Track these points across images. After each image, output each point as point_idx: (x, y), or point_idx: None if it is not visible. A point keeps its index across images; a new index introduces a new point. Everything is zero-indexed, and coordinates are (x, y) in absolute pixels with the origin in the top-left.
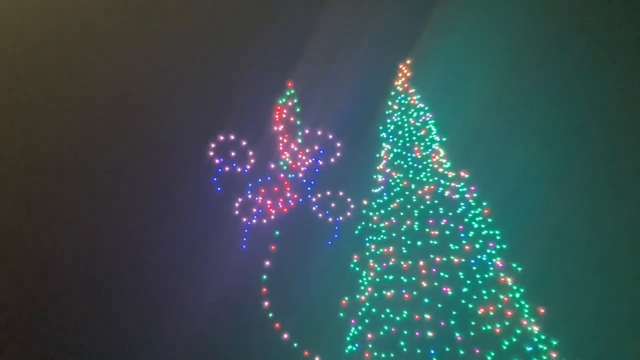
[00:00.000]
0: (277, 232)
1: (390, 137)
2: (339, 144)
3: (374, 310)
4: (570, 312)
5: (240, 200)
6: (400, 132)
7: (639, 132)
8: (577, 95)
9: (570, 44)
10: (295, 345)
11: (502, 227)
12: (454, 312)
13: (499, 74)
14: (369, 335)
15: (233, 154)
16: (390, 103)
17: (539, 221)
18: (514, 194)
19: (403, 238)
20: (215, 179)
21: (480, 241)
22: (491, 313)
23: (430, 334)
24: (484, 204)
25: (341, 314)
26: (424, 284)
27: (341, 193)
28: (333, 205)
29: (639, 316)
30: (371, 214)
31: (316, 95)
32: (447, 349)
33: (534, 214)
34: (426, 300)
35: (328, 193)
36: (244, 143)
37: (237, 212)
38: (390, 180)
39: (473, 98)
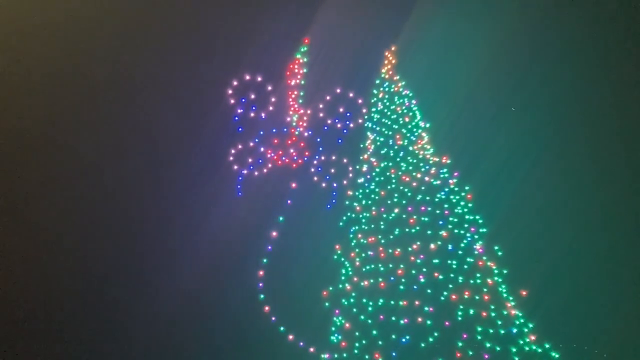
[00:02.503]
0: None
1: (375, 126)
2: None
3: (364, 300)
4: (551, 295)
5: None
6: (384, 120)
7: (617, 118)
8: (560, 83)
9: (556, 28)
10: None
11: (484, 211)
12: (442, 298)
13: (484, 60)
14: (347, 325)
15: (253, 96)
16: (375, 91)
17: (520, 206)
18: (496, 179)
19: (389, 227)
20: (236, 118)
21: (466, 225)
22: (477, 297)
23: (419, 319)
24: (467, 188)
25: (326, 304)
26: (409, 272)
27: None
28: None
29: (618, 298)
30: (355, 204)
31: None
32: (436, 334)
33: (515, 199)
34: (415, 287)
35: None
36: (269, 87)
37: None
38: (376, 169)
39: (457, 84)
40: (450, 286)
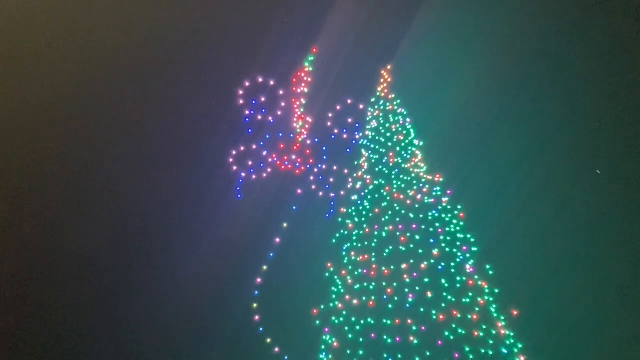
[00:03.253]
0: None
1: (370, 143)
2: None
3: (353, 318)
4: (541, 315)
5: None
6: (379, 138)
7: (606, 140)
8: (552, 103)
9: (546, 51)
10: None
11: (476, 230)
12: (432, 317)
13: (477, 79)
14: (336, 344)
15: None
16: (371, 109)
17: (512, 225)
18: (489, 197)
19: (381, 245)
20: (247, 119)
21: (458, 244)
22: (468, 316)
23: (411, 338)
24: (459, 207)
25: (317, 322)
26: (400, 290)
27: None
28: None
29: (608, 319)
30: (348, 221)
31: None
32: (428, 354)
33: (507, 218)
34: (407, 305)
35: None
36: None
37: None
38: (370, 187)
39: (451, 102)
40: (443, 305)
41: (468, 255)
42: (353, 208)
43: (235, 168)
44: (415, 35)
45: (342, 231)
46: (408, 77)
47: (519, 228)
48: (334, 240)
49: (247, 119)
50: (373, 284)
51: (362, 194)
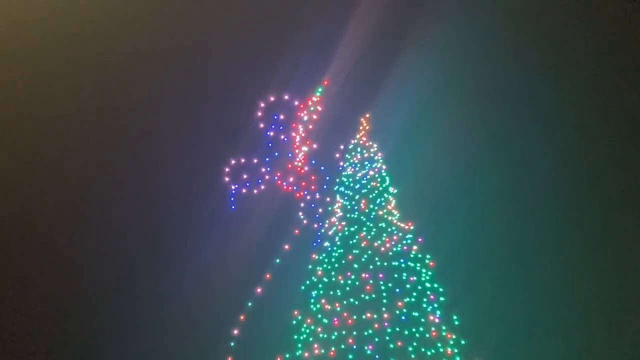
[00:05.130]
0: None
1: (345, 189)
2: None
3: None
4: None
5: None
6: (354, 185)
7: (577, 170)
8: (521, 152)
9: (518, 100)
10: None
11: (444, 279)
12: None
13: (451, 129)
14: None
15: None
16: (348, 156)
17: (479, 274)
18: (459, 247)
19: (349, 292)
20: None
21: (428, 293)
22: None
23: None
24: (428, 256)
25: None
26: (361, 339)
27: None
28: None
29: None
30: (318, 268)
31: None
32: None
33: (476, 269)
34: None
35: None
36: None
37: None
38: (340, 234)
39: (425, 151)
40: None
41: (435, 305)
42: (324, 255)
43: (227, 179)
44: (393, 84)
45: (312, 278)
46: (386, 125)
47: (485, 279)
48: (302, 287)
49: (269, 132)
50: (335, 333)
51: (336, 240)
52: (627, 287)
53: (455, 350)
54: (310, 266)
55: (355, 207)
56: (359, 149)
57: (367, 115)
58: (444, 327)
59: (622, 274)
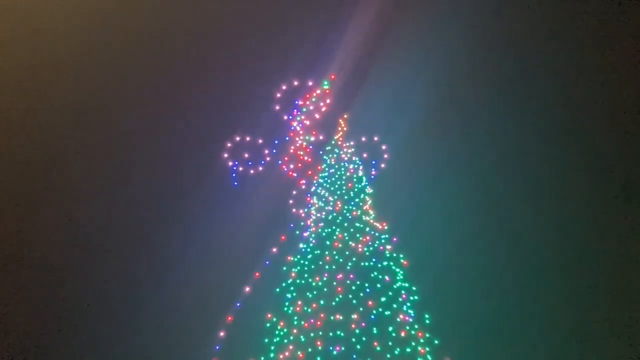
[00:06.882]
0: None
1: (321, 190)
2: None
3: None
4: None
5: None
6: (329, 186)
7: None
8: (495, 152)
9: (491, 99)
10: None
11: (417, 278)
12: None
13: (426, 127)
14: None
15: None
16: (326, 158)
17: (451, 274)
18: (432, 246)
19: (322, 294)
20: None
21: (403, 292)
22: None
23: None
24: (401, 256)
25: None
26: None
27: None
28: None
29: None
30: (293, 269)
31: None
32: None
33: (448, 269)
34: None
35: None
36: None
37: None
38: (314, 235)
39: (401, 150)
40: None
41: (408, 304)
42: (298, 256)
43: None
44: (371, 84)
45: (289, 280)
46: (362, 126)
47: (457, 279)
48: (277, 289)
49: (291, 116)
50: (308, 334)
51: (312, 242)
52: (597, 287)
53: (427, 349)
54: (285, 268)
55: (331, 208)
56: (336, 150)
57: (345, 116)
58: (416, 326)
59: (595, 274)
